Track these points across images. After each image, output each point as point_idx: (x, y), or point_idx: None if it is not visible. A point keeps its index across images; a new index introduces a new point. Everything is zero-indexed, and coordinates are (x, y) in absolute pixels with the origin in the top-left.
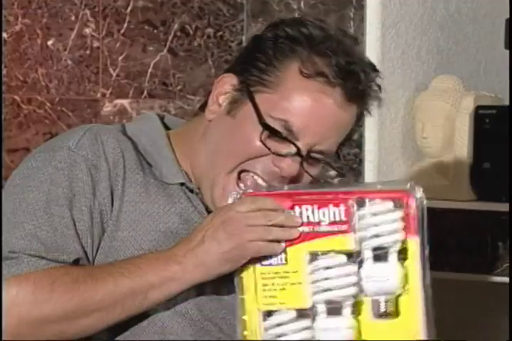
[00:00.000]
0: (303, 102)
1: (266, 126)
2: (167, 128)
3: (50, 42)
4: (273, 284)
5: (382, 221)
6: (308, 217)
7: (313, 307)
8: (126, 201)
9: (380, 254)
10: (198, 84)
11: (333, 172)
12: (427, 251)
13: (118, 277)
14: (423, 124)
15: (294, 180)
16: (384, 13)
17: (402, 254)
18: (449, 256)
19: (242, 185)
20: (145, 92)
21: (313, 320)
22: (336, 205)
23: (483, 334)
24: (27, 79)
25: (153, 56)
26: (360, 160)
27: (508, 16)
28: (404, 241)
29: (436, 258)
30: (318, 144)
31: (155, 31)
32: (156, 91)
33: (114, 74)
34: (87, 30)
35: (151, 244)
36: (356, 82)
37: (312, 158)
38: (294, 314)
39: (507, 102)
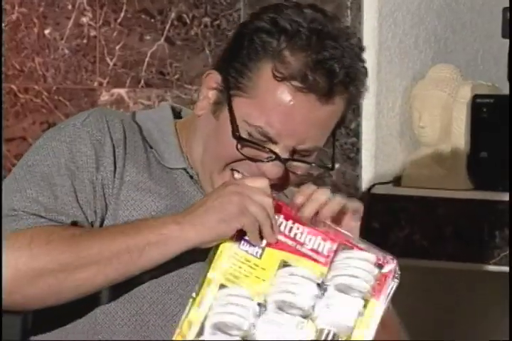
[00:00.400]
0: (276, 107)
1: (238, 138)
2: (180, 118)
3: (47, 31)
4: (240, 267)
5: (360, 266)
6: (295, 234)
7: (264, 305)
8: (128, 181)
9: (345, 290)
10: (195, 74)
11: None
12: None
13: (115, 233)
14: (420, 113)
15: (283, 179)
16: (381, 1)
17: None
18: (445, 245)
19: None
20: (142, 81)
21: (259, 315)
22: (324, 240)
23: (481, 323)
24: (24, 68)
25: (151, 45)
26: (357, 149)
27: (505, 5)
28: (368, 298)
29: (433, 248)
30: (300, 144)
31: (152, 20)
32: (153, 80)
33: (111, 64)
34: (84, 19)
35: None
36: (332, 79)
37: (294, 160)
38: (247, 293)
39: (504, 91)
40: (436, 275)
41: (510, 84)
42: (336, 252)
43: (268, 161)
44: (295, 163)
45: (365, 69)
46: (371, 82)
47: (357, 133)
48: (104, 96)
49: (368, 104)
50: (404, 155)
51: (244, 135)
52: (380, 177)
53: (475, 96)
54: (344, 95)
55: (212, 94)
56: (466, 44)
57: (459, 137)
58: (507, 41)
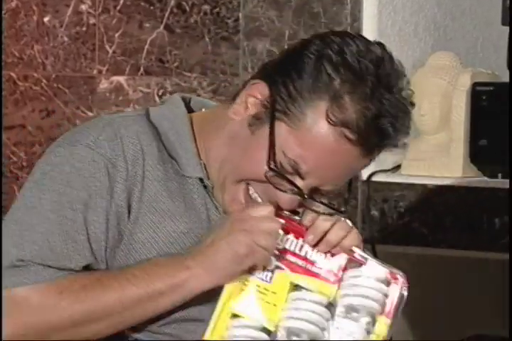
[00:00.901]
0: (319, 149)
1: (272, 169)
2: (192, 111)
3: (46, 19)
4: (250, 294)
5: (369, 285)
6: (306, 252)
7: (275, 331)
8: (146, 201)
9: (355, 310)
10: (194, 61)
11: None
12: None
13: (126, 285)
14: (420, 101)
15: (293, 209)
16: None
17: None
18: (445, 232)
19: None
20: (141, 69)
21: None
22: (333, 256)
23: (481, 310)
24: (23, 55)
25: (150, 33)
26: None
27: None
28: (377, 316)
29: (433, 235)
30: (325, 186)
31: (151, 8)
32: (153, 68)
33: (111, 51)
34: (83, 7)
35: (173, 246)
36: (384, 139)
37: (315, 200)
38: (258, 325)
39: (504, 79)
40: (436, 262)
41: (510, 71)
42: (345, 269)
43: (289, 193)
44: (311, 201)
45: (410, 126)
46: None
47: None
48: (104, 84)
49: None
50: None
51: (276, 162)
52: (380, 165)
53: (475, 84)
54: (378, 153)
55: (252, 105)
56: (465, 32)
57: (459, 125)
58: (507, 29)
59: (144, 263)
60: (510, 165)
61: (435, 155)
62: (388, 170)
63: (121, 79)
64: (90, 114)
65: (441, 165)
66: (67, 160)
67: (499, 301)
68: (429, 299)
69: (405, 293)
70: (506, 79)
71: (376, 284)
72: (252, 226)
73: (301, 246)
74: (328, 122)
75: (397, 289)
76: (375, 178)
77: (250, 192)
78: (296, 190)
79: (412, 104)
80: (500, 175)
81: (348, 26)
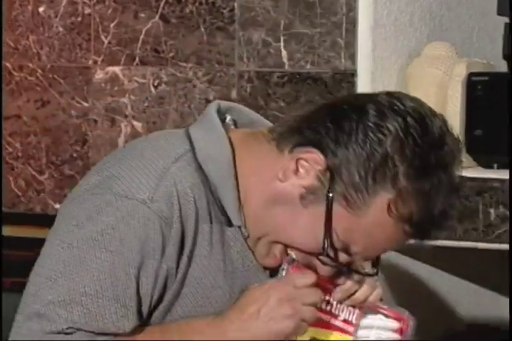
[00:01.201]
0: (373, 238)
1: (327, 249)
2: (224, 116)
3: (41, 9)
4: None
5: (380, 336)
6: (332, 306)
7: None
8: (196, 255)
9: None
10: (190, 51)
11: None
12: None
13: None
14: (415, 92)
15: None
16: None
17: None
18: None
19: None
20: (137, 59)
21: None
22: (354, 307)
23: (475, 300)
24: (18, 46)
25: (145, 23)
26: None
27: None
28: None
29: None
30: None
31: None
32: (148, 58)
33: (106, 42)
34: None
35: (209, 301)
36: (435, 233)
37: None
38: None
39: (500, 69)
40: (431, 253)
41: (507, 61)
42: (360, 318)
43: (332, 267)
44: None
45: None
46: (366, 59)
47: None
48: (99, 74)
49: (362, 81)
50: None
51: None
52: None
53: (470, 74)
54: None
55: (306, 172)
56: (461, 22)
57: (454, 115)
58: (503, 19)
59: (184, 326)
60: (510, 162)
61: None
62: None
63: (117, 69)
64: (85, 104)
65: None
66: (123, 217)
67: (494, 291)
68: (421, 289)
69: (412, 334)
70: (502, 69)
71: (389, 334)
72: (298, 302)
73: (328, 301)
74: (389, 215)
75: (407, 333)
76: None
77: (288, 249)
78: (337, 264)
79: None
80: (495, 165)
81: (343, 16)
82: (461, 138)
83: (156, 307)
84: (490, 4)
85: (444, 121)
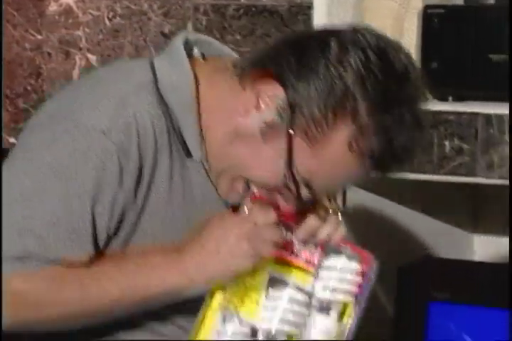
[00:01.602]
0: (333, 171)
1: (288, 181)
2: (190, 48)
3: None
4: (238, 289)
5: (343, 277)
6: (293, 245)
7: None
8: (154, 189)
9: (326, 308)
10: None
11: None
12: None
13: (125, 289)
14: (371, 25)
15: None
16: None
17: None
18: None
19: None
20: None
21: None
22: (316, 246)
23: (428, 232)
24: None
25: None
26: None
27: None
28: (348, 302)
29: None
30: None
31: None
32: None
33: None
34: None
35: (169, 232)
36: (397, 167)
37: (312, 204)
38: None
39: (456, 1)
40: (385, 185)
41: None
42: (322, 256)
43: (293, 202)
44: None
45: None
46: None
47: None
48: (53, 7)
49: (319, 14)
50: None
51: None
52: None
53: (426, 7)
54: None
55: (265, 107)
56: None
57: (411, 48)
58: None
59: (142, 260)
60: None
61: None
62: None
63: (71, 1)
64: (39, 36)
65: None
66: (80, 146)
67: (448, 223)
68: (377, 221)
69: (373, 278)
70: (458, 1)
71: (350, 277)
72: (257, 239)
73: (288, 241)
74: (349, 149)
75: (369, 275)
76: None
77: (252, 187)
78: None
79: (426, 121)
80: (450, 97)
81: None
82: None
83: (112, 239)
84: None
85: (409, 57)
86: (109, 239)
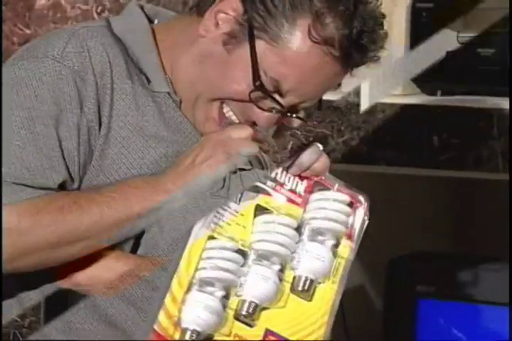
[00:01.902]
0: (302, 67)
1: (258, 86)
2: (150, 21)
3: None
4: (223, 216)
5: (334, 208)
6: (276, 174)
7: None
8: (115, 115)
9: (321, 233)
10: None
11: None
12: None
13: (104, 207)
14: None
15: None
16: None
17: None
18: (385, 150)
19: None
20: None
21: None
22: (301, 179)
23: (419, 226)
24: None
25: None
26: None
27: None
28: (340, 238)
29: (372, 153)
30: (304, 102)
31: None
32: None
33: None
34: None
35: (143, 161)
36: (362, 56)
37: (296, 117)
38: (234, 247)
39: None
40: (375, 179)
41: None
42: (310, 192)
43: (270, 112)
44: (290, 119)
45: (380, 56)
46: None
47: None
48: (41, 1)
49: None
50: None
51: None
52: None
53: (414, 1)
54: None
55: (224, 21)
56: None
57: (400, 41)
58: None
59: (120, 184)
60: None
61: (378, 78)
62: None
63: None
64: (28, 31)
65: (385, 89)
66: (34, 74)
67: (437, 217)
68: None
69: (367, 218)
70: None
71: (341, 207)
72: (232, 149)
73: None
74: (312, 40)
75: (361, 214)
76: None
77: (225, 110)
78: (277, 107)
79: (384, 16)
80: (439, 92)
81: None
82: (406, 64)
83: (86, 168)
84: None
85: None
86: (84, 168)
